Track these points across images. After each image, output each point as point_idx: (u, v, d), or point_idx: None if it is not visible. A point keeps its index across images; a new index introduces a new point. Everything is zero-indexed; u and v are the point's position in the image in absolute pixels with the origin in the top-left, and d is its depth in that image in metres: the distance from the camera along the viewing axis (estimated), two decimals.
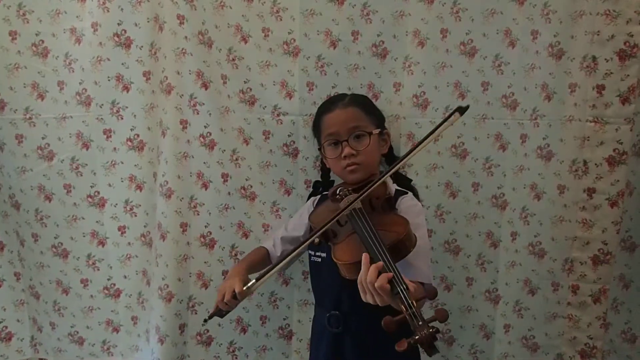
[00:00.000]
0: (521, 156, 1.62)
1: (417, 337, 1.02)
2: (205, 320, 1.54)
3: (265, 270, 1.40)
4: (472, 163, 1.71)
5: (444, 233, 1.75)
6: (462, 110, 1.30)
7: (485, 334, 1.77)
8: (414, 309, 1.04)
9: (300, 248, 1.36)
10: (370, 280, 1.10)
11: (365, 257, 1.14)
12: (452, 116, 1.30)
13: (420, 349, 1.03)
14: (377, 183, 1.35)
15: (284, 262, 1.38)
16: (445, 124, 1.31)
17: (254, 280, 1.41)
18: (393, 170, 1.40)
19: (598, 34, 1.44)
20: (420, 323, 1.03)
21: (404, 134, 1.72)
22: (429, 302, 1.71)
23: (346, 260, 1.24)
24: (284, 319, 1.86)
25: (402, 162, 1.40)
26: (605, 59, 1.44)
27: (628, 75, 1.43)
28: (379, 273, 1.10)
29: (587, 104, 1.48)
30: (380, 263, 1.12)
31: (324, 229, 1.33)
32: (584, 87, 1.48)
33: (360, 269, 1.14)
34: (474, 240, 1.74)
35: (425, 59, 1.69)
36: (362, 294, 1.15)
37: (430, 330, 1.01)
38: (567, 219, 1.56)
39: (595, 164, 1.50)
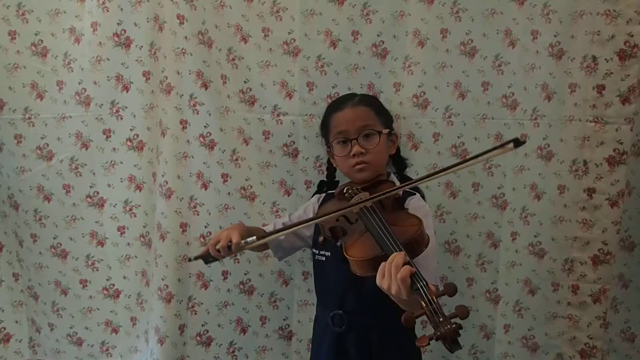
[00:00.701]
0: (521, 156, 1.62)
1: (439, 333, 1.01)
2: (190, 260, 1.50)
3: (268, 232, 1.39)
4: None
5: (444, 233, 1.75)
6: (518, 143, 1.21)
7: (485, 334, 1.76)
8: (434, 305, 1.03)
9: (308, 224, 1.35)
10: (396, 264, 1.08)
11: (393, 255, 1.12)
12: (506, 146, 1.23)
13: (443, 345, 1.02)
14: (395, 190, 1.34)
15: (290, 230, 1.36)
16: (496, 150, 1.24)
17: (254, 237, 1.37)
18: (414, 184, 1.39)
19: (598, 34, 1.44)
20: (441, 319, 1.02)
21: (404, 134, 1.72)
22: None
23: (361, 256, 1.22)
24: (284, 320, 1.85)
25: (428, 179, 1.35)
26: (606, 59, 1.45)
27: (628, 75, 1.43)
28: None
29: (587, 104, 1.49)
30: (403, 254, 1.10)
31: (337, 214, 1.31)
32: (584, 87, 1.48)
33: (375, 266, 1.13)
34: (474, 240, 1.74)
35: (425, 59, 1.69)
36: (378, 279, 1.11)
37: (454, 325, 1.00)
38: (567, 219, 1.56)
39: (595, 164, 1.50)
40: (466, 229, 1.74)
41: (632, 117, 1.45)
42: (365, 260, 1.20)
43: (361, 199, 1.35)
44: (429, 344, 1.02)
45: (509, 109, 1.64)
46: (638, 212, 1.55)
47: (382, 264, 1.12)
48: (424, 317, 1.04)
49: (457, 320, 1.02)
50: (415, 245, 1.21)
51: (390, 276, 1.09)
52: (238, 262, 1.79)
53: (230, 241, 1.36)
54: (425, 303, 1.04)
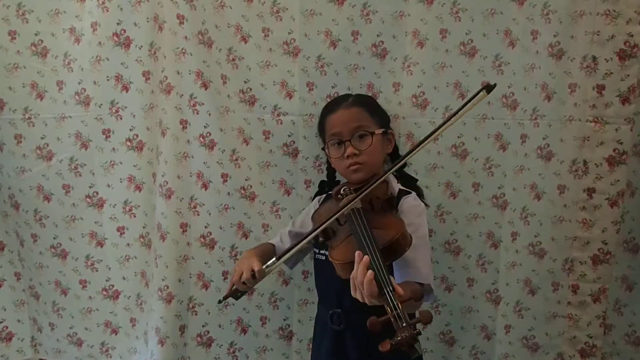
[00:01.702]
0: (521, 156, 1.62)
1: (398, 338, 1.02)
2: (220, 301, 1.53)
3: (285, 249, 1.41)
4: (472, 163, 1.71)
5: (444, 233, 1.75)
6: (489, 88, 1.28)
7: (486, 334, 1.76)
8: (397, 311, 1.05)
9: (317, 231, 1.35)
10: (358, 278, 1.13)
11: (358, 254, 1.16)
12: (478, 95, 1.29)
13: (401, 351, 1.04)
14: (377, 182, 1.36)
15: (305, 241, 1.37)
16: (472, 102, 1.31)
17: (273, 259, 1.40)
18: (397, 167, 1.40)
19: (598, 34, 1.44)
20: (403, 324, 1.03)
21: (403, 134, 1.72)
22: (432, 304, 1.73)
23: (339, 259, 1.26)
24: (284, 320, 1.85)
25: (406, 158, 1.39)
26: (605, 59, 1.44)
27: (628, 75, 1.43)
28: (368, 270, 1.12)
29: (587, 104, 1.48)
30: (367, 259, 1.13)
31: (323, 227, 1.34)
32: (584, 87, 1.48)
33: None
34: (474, 240, 1.74)
35: (425, 59, 1.69)
36: (352, 291, 1.17)
37: (412, 332, 1.02)
38: (567, 219, 1.56)
39: (595, 164, 1.50)
40: (466, 229, 1.74)
41: (632, 117, 1.45)
42: (346, 264, 1.22)
43: (349, 200, 1.37)
44: (390, 349, 1.03)
45: (509, 109, 1.64)
46: None
47: (352, 279, 1.15)
48: (390, 322, 1.06)
49: (420, 325, 1.04)
50: (396, 247, 1.23)
51: (355, 287, 1.14)
52: None
53: (253, 270, 1.39)
54: (390, 308, 1.07)
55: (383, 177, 1.37)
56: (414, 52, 1.69)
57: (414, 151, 1.35)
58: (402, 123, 1.72)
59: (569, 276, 1.58)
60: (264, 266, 1.40)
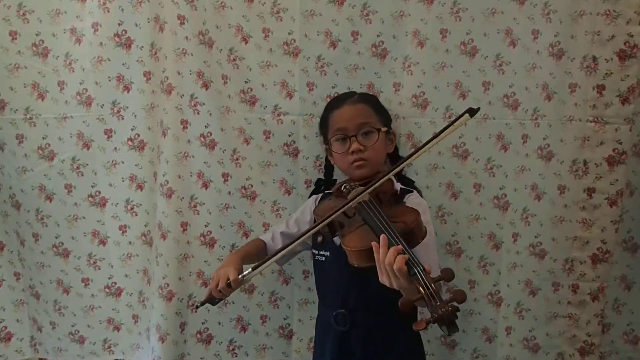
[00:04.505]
0: (522, 156, 1.62)
1: (436, 315, 1.02)
2: (197, 307, 1.53)
3: (262, 260, 1.40)
4: (473, 163, 1.70)
5: (445, 235, 1.75)
6: (472, 111, 1.29)
7: (487, 337, 1.76)
8: (431, 290, 1.05)
9: (302, 238, 1.36)
10: (388, 262, 1.11)
11: (383, 238, 1.15)
12: (462, 117, 1.30)
13: (440, 328, 1.04)
14: (387, 177, 1.36)
15: (282, 253, 1.38)
16: (454, 125, 1.31)
17: (250, 269, 1.40)
18: (399, 168, 1.41)
19: (598, 34, 1.44)
20: (438, 303, 1.03)
21: (403, 134, 1.72)
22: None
23: (357, 247, 1.24)
24: (285, 319, 1.86)
25: (407, 161, 1.41)
26: (606, 59, 1.44)
27: (628, 75, 1.43)
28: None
29: (587, 104, 1.48)
30: (399, 247, 1.13)
31: (330, 219, 1.33)
32: (584, 87, 1.48)
33: (371, 257, 1.16)
34: (475, 242, 1.74)
35: (425, 59, 1.69)
36: (379, 275, 1.16)
37: (450, 308, 1.01)
38: (568, 219, 1.56)
39: (595, 164, 1.50)
40: (468, 231, 1.74)
41: (631, 117, 1.45)
42: (362, 251, 1.22)
43: (358, 192, 1.37)
44: (426, 327, 1.03)
45: (510, 109, 1.64)
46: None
47: (379, 263, 1.14)
48: (423, 301, 1.05)
49: (454, 304, 1.03)
50: (412, 235, 1.23)
51: (387, 272, 1.13)
52: None
53: (229, 279, 1.39)
54: (423, 288, 1.06)
55: (394, 171, 1.38)
56: (414, 52, 1.69)
57: (417, 153, 1.37)
58: (402, 123, 1.72)
59: (569, 276, 1.58)
60: (239, 275, 1.39)
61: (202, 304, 1.49)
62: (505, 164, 1.68)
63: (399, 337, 1.45)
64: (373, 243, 1.16)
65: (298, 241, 1.37)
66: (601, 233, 1.53)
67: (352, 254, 1.26)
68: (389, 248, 1.14)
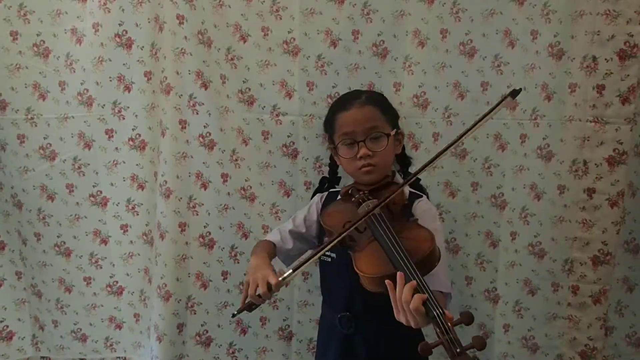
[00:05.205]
0: (521, 156, 1.62)
1: None
2: (234, 315, 1.42)
3: (302, 260, 1.33)
4: (471, 163, 1.70)
5: (443, 232, 1.73)
6: (515, 93, 1.25)
7: (484, 333, 1.76)
8: (451, 335, 1.00)
9: (332, 243, 1.27)
10: (405, 300, 1.06)
11: (400, 276, 1.09)
12: (505, 100, 1.26)
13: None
14: (401, 188, 1.32)
15: (322, 251, 1.30)
16: (496, 109, 1.27)
17: (290, 271, 1.28)
18: (419, 172, 1.34)
19: (598, 34, 1.43)
20: (458, 350, 0.98)
21: (404, 133, 1.71)
22: None
23: (371, 273, 1.19)
24: (284, 320, 1.85)
25: (436, 158, 1.33)
26: (605, 59, 1.43)
27: (628, 75, 1.42)
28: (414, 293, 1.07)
29: (587, 104, 1.47)
30: (414, 282, 1.07)
31: (342, 236, 1.27)
32: (584, 87, 1.47)
33: (384, 283, 1.11)
34: (473, 239, 1.74)
35: (425, 59, 1.68)
36: (395, 313, 1.10)
37: (472, 356, 0.98)
38: (567, 219, 1.55)
39: (595, 164, 1.49)
40: (465, 228, 1.74)
41: (632, 117, 1.44)
42: (377, 278, 1.16)
43: (369, 206, 1.31)
44: (431, 353, 1.00)
45: (508, 109, 1.63)
46: None
47: (395, 301, 1.09)
48: (442, 349, 1.01)
49: (475, 351, 0.99)
50: (427, 262, 1.17)
51: (404, 310, 1.08)
52: (237, 262, 1.80)
53: (269, 283, 1.30)
54: (442, 332, 1.01)
55: (407, 182, 1.34)
56: (415, 51, 1.69)
57: (442, 153, 1.31)
58: (403, 123, 1.70)
59: (568, 277, 1.57)
60: (280, 278, 1.28)
61: (240, 311, 1.37)
62: (503, 163, 1.67)
63: (404, 342, 1.43)
64: (387, 282, 1.10)
65: (326, 249, 1.29)
66: (602, 234, 1.52)
67: (367, 280, 1.20)
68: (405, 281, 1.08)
